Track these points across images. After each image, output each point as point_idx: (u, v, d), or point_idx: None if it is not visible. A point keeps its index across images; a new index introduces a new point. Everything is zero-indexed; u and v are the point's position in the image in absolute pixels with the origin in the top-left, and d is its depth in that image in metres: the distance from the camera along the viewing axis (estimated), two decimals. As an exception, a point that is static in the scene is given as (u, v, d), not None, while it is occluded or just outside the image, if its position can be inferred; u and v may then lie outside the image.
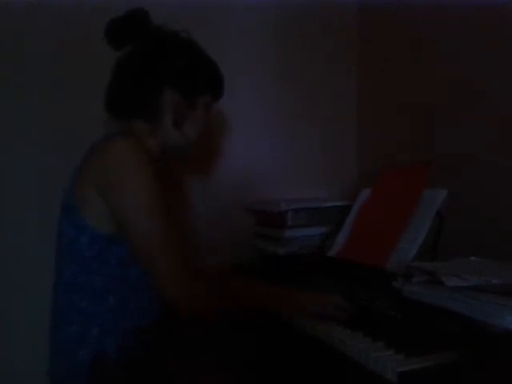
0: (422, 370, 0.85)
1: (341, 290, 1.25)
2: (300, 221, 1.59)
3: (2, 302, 1.44)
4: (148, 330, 1.13)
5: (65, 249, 1.10)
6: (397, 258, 1.23)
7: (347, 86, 1.91)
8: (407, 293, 1.05)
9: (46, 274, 1.15)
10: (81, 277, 1.07)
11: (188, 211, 1.66)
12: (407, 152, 1.66)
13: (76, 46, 1.47)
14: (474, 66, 1.42)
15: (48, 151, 1.47)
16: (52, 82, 1.47)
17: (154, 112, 1.16)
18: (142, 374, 1.11)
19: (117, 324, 1.08)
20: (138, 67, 1.15)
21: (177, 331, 1.22)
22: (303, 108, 1.83)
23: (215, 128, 1.66)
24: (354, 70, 1.92)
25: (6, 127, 1.44)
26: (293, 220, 1.58)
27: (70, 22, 1.47)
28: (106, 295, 1.07)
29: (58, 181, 1.17)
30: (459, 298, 0.94)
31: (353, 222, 1.49)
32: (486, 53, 1.38)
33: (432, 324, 0.97)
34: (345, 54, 1.90)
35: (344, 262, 1.39)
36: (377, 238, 1.34)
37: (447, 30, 1.51)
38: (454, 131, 1.49)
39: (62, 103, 1.48)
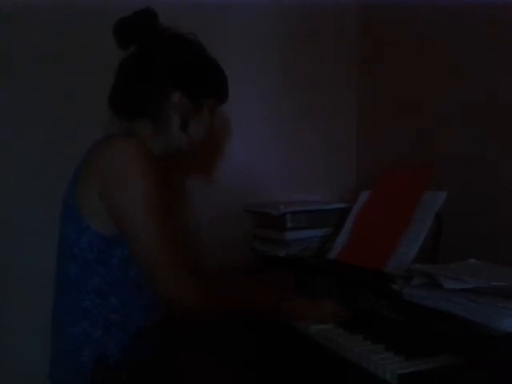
0: (421, 373, 0.85)
1: (340, 293, 1.25)
2: (300, 223, 1.60)
3: (2, 302, 1.45)
4: (150, 330, 1.13)
5: (67, 250, 1.09)
6: (396, 261, 1.23)
7: (347, 86, 1.91)
8: (407, 295, 1.05)
9: (46, 274, 1.15)
10: (83, 278, 1.07)
11: (190, 212, 1.66)
12: (407, 152, 1.66)
13: (76, 46, 1.47)
14: (474, 66, 1.42)
15: (48, 151, 1.47)
16: (52, 82, 1.47)
17: (161, 113, 1.16)
18: (145, 375, 1.11)
19: (119, 325, 1.08)
20: (144, 66, 1.15)
21: (179, 331, 1.22)
22: (303, 109, 1.83)
23: (215, 129, 1.66)
24: (354, 70, 1.92)
25: (6, 127, 1.44)
26: (292, 222, 1.58)
27: (70, 21, 1.47)
28: (109, 296, 1.07)
29: (57, 181, 1.17)
30: (458, 301, 0.94)
31: (353, 225, 1.49)
32: (486, 53, 1.38)
33: (431, 326, 0.97)
34: (345, 54, 1.90)
35: (344, 265, 1.39)
36: (377, 241, 1.34)
37: (447, 30, 1.50)
38: (453, 131, 1.49)
39: (62, 103, 1.48)
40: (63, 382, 1.11)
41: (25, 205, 1.45)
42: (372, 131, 1.87)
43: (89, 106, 1.39)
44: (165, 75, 1.15)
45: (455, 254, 1.16)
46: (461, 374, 0.85)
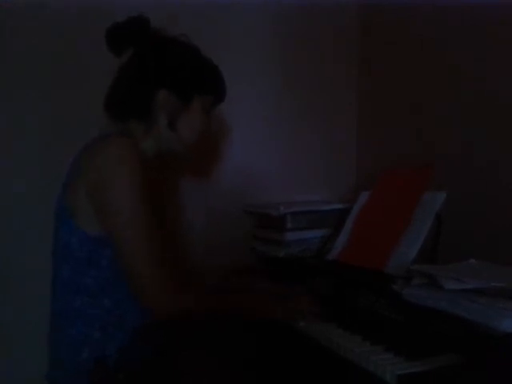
0: (421, 374, 0.85)
1: (341, 293, 1.26)
2: (300, 224, 1.60)
3: (2, 302, 1.44)
4: (150, 330, 1.13)
5: (60, 251, 1.10)
6: (396, 261, 1.23)
7: (347, 86, 1.91)
8: (407, 296, 1.05)
9: (46, 274, 1.14)
10: (76, 279, 1.07)
11: (181, 212, 1.66)
12: (407, 152, 1.66)
13: (76, 46, 1.46)
14: (473, 66, 1.42)
15: (48, 151, 1.47)
16: (52, 82, 1.47)
17: (148, 112, 1.16)
18: (143, 375, 1.11)
19: (117, 325, 1.08)
20: (134, 68, 1.16)
21: (179, 331, 1.22)
22: (303, 109, 1.83)
23: (215, 129, 1.65)
24: (354, 70, 1.92)
25: (5, 127, 1.44)
26: (292, 223, 1.58)
27: (70, 21, 1.47)
28: (102, 297, 1.07)
29: (57, 181, 1.16)
30: (458, 301, 0.94)
31: (352, 225, 1.49)
32: (486, 52, 1.38)
33: (431, 327, 0.97)
34: (345, 54, 1.90)
35: (344, 265, 1.39)
36: (376, 241, 1.34)
37: (447, 30, 1.51)
38: (453, 131, 1.49)
39: (62, 103, 1.48)
40: (61, 382, 1.10)
41: (25, 205, 1.45)
42: (372, 131, 1.87)
43: (89, 106, 1.39)
44: (152, 75, 1.15)
45: (455, 254, 1.16)
46: (461, 374, 0.85)
